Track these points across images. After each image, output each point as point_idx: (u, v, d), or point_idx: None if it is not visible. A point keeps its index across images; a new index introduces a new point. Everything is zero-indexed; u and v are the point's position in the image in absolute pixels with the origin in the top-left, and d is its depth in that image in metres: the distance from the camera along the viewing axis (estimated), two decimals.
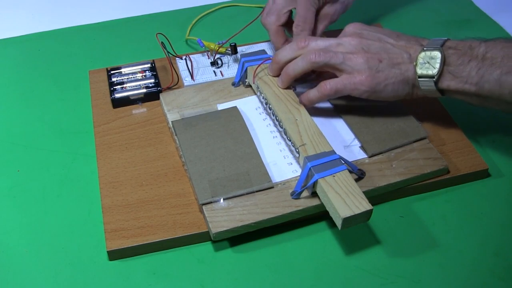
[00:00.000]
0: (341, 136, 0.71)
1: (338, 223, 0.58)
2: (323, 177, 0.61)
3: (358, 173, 0.65)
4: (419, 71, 0.64)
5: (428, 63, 0.63)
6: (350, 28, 0.70)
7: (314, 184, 0.62)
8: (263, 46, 0.86)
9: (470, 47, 0.63)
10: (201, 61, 0.84)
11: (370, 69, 0.65)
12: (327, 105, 0.75)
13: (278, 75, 0.73)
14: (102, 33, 0.95)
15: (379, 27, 0.71)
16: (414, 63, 0.65)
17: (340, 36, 0.70)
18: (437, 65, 0.63)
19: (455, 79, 0.63)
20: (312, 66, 0.68)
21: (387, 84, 0.66)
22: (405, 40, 0.67)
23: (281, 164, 0.67)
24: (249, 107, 0.75)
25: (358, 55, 0.66)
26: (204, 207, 0.62)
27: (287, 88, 0.72)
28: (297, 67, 0.69)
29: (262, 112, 0.74)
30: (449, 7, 1.00)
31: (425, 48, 0.65)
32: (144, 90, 0.78)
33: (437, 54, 0.63)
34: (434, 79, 0.64)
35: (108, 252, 0.61)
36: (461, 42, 0.65)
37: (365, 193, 0.61)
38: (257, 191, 0.64)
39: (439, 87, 0.64)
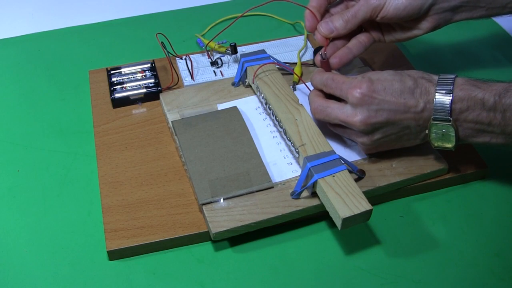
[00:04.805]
0: (341, 136, 0.70)
1: (338, 223, 0.58)
2: (322, 177, 0.61)
3: (358, 173, 0.65)
4: (436, 143, 0.62)
5: (443, 135, 0.61)
6: (355, 97, 0.61)
7: (314, 184, 0.62)
8: (263, 46, 0.86)
9: (483, 105, 0.58)
10: (201, 61, 0.84)
11: (368, 146, 0.65)
12: None
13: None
14: (102, 33, 0.95)
15: (388, 82, 0.61)
16: (427, 131, 0.62)
17: (347, 94, 0.62)
18: (453, 139, 0.61)
19: (477, 138, 0.61)
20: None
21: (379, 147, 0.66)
22: (413, 103, 0.60)
23: (281, 164, 0.67)
24: (249, 107, 0.75)
25: (362, 139, 0.64)
26: (204, 207, 0.62)
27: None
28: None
29: (262, 112, 0.74)
30: None
31: (434, 118, 0.60)
32: (144, 90, 0.78)
33: (450, 129, 0.60)
34: (452, 149, 0.62)
35: (108, 252, 0.61)
36: (472, 97, 0.59)
37: (365, 193, 0.61)
38: (257, 191, 0.64)
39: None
